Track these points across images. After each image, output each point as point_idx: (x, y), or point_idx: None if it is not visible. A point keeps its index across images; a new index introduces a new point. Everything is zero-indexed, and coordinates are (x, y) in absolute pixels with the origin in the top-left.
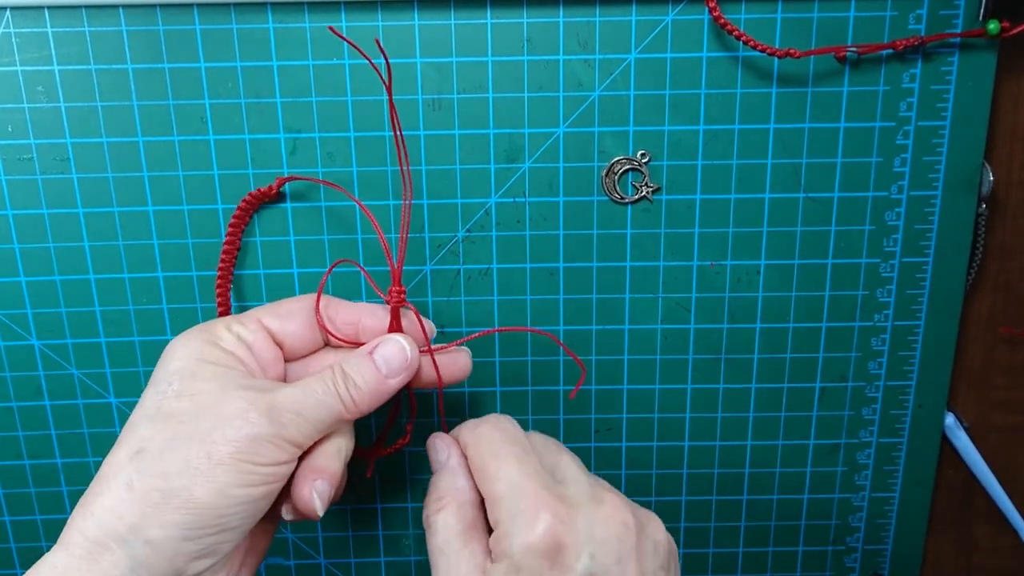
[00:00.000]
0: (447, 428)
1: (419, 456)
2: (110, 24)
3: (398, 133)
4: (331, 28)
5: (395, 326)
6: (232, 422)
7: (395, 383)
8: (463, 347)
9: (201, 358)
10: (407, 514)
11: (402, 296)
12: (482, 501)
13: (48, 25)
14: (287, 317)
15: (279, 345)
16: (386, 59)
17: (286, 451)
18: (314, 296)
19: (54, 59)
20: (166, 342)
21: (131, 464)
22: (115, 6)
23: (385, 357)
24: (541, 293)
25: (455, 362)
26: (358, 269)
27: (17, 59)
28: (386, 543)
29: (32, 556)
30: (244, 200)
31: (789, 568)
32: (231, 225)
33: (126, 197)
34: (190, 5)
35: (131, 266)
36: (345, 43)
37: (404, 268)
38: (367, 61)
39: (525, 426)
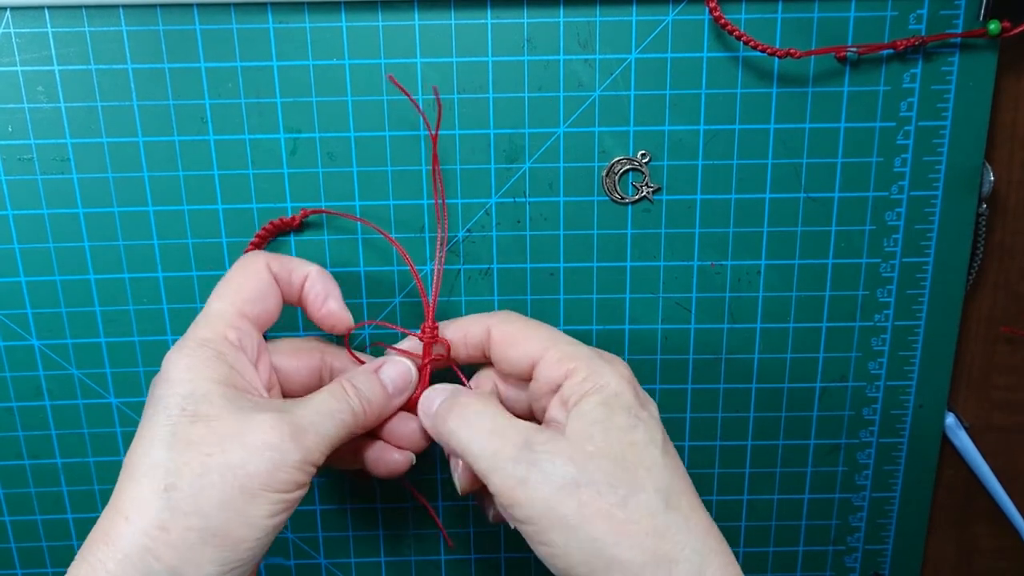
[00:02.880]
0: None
1: (419, 456)
2: (110, 24)
3: (437, 173)
4: (390, 77)
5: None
6: (262, 452)
7: (398, 402)
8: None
9: (210, 378)
10: (407, 514)
11: (435, 332)
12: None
13: (48, 25)
14: (260, 299)
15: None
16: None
17: (308, 473)
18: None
19: (54, 59)
20: (166, 342)
21: (161, 501)
22: (115, 6)
23: (391, 376)
24: (541, 293)
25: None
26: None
27: (17, 59)
28: (386, 543)
29: (32, 556)
30: (264, 228)
31: (790, 568)
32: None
33: (126, 197)
34: (190, 5)
35: (131, 266)
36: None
37: (403, 269)
38: (410, 100)
39: None
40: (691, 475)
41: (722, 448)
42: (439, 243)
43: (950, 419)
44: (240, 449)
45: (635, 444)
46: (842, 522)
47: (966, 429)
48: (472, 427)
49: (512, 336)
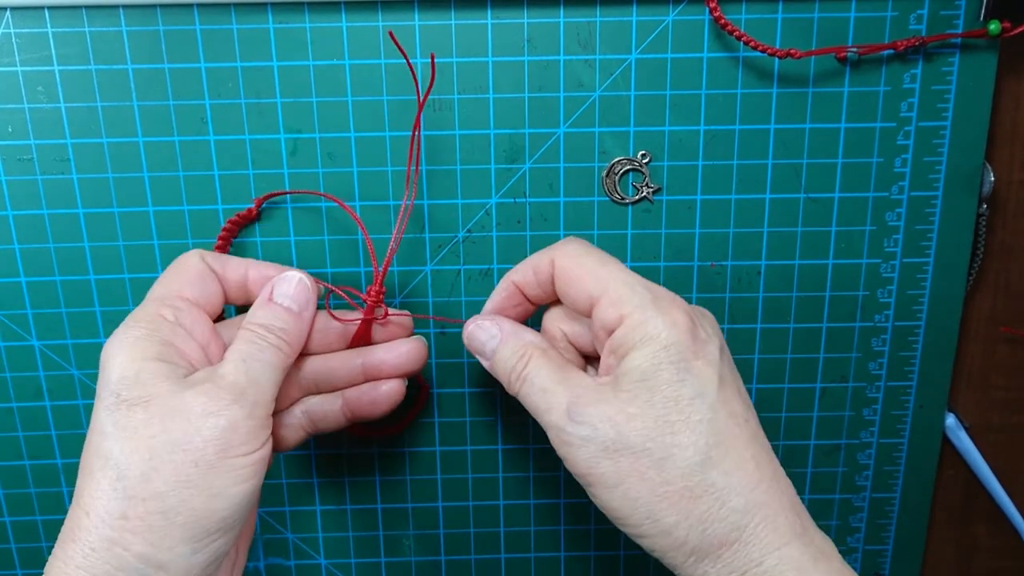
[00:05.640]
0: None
1: (419, 456)
2: (110, 24)
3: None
4: (390, 33)
5: (366, 327)
6: (205, 420)
7: (309, 314)
8: (418, 337)
9: (141, 357)
10: (407, 514)
11: (380, 297)
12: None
13: (48, 25)
14: (199, 283)
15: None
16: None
17: (263, 426)
18: (198, 256)
19: (54, 59)
20: None
21: (115, 492)
22: (115, 6)
23: (287, 295)
24: None
25: (401, 346)
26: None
27: (17, 59)
28: (386, 544)
29: (32, 556)
30: (224, 228)
31: None
32: (217, 248)
33: (126, 197)
34: (190, 5)
35: (131, 266)
36: (346, 43)
37: (403, 269)
38: (405, 61)
39: (525, 429)
40: None
41: None
42: (403, 211)
43: (950, 419)
44: (183, 424)
45: (679, 400)
46: (842, 523)
47: (966, 429)
48: (528, 382)
49: (570, 273)
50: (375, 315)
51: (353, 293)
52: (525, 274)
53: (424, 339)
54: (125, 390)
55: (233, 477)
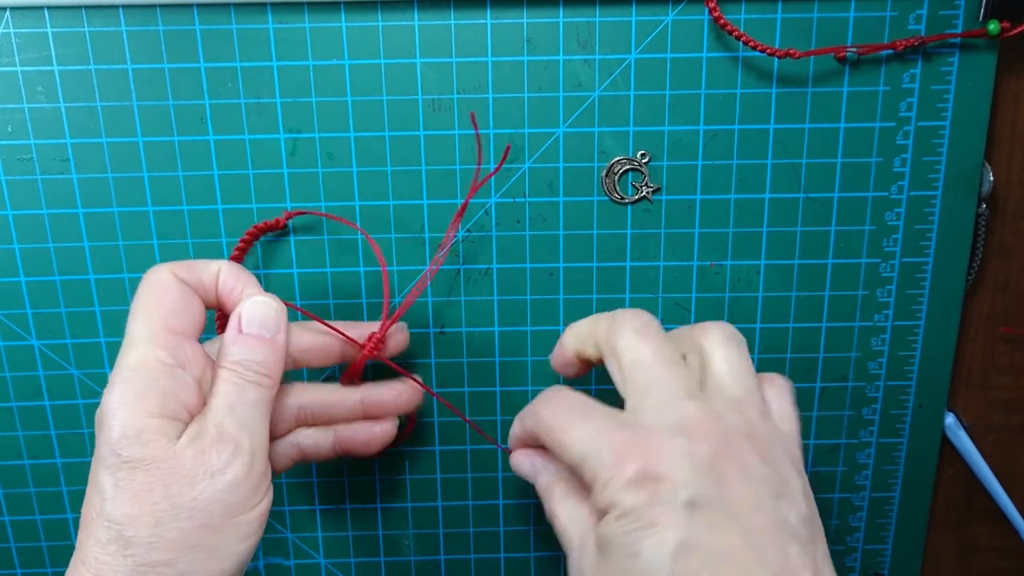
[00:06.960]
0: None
1: (419, 456)
2: (110, 24)
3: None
4: (471, 115)
5: (356, 373)
6: (210, 481)
7: (283, 338)
8: (409, 381)
9: (143, 412)
10: (407, 514)
11: (380, 346)
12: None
13: (48, 25)
14: (184, 309)
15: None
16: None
17: (263, 475)
18: (169, 273)
19: (54, 59)
20: None
21: (124, 558)
22: (115, 6)
23: (255, 322)
24: (541, 293)
25: (399, 384)
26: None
27: (17, 59)
28: (386, 543)
29: (32, 556)
30: (248, 233)
31: None
32: (233, 257)
33: (126, 197)
34: (190, 5)
35: (131, 266)
36: (347, 46)
37: (402, 269)
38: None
39: None
40: None
41: None
42: (444, 245)
43: (950, 419)
44: (186, 488)
45: (638, 556)
46: (842, 522)
47: (966, 429)
48: (555, 520)
49: (548, 441)
50: (369, 356)
51: (349, 342)
52: (514, 432)
53: (419, 378)
54: (126, 450)
55: (240, 535)
